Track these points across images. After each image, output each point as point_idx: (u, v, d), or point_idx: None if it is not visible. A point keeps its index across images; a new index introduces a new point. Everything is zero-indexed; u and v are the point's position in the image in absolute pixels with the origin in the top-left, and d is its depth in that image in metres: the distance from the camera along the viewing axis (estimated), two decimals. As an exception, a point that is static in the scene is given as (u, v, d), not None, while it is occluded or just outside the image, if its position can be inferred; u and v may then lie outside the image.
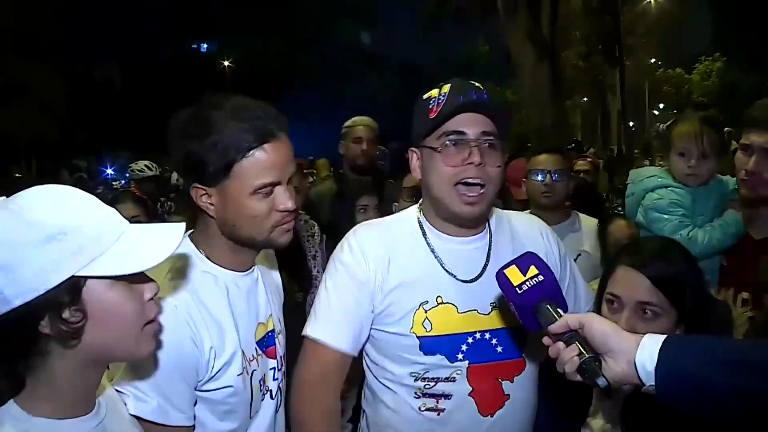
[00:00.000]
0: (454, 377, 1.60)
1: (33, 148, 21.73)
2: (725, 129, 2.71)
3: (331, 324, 1.62)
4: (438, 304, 1.61)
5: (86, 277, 1.02)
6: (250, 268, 1.55)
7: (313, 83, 30.74)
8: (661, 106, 36.90)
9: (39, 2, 21.59)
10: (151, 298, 1.12)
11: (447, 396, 1.61)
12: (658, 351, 1.10)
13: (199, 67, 30.79)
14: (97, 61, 26.75)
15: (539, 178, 2.97)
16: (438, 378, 1.61)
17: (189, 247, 1.49)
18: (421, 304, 1.60)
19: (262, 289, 1.58)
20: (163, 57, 30.03)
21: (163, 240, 1.11)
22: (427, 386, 1.61)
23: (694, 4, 28.21)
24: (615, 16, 19.49)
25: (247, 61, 31.78)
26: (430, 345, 1.60)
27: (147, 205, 3.06)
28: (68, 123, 23.02)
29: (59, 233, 1.00)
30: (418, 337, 1.60)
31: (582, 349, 1.17)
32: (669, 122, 3.49)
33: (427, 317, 1.60)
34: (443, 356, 1.60)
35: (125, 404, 1.28)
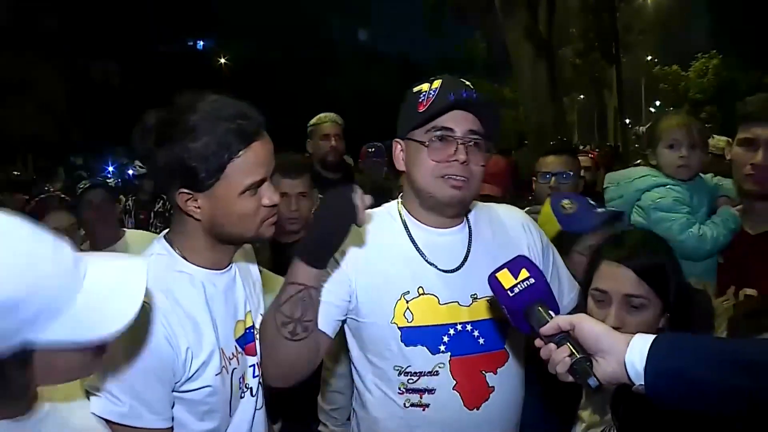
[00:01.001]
0: (437, 370, 1.62)
1: (31, 146, 21.64)
2: (706, 125, 2.74)
3: None
4: (419, 294, 1.63)
5: (36, 343, 0.96)
6: (228, 265, 1.55)
7: (311, 80, 30.64)
8: (658, 103, 36.92)
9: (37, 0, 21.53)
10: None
11: (430, 391, 1.62)
12: (647, 350, 1.12)
13: (198, 65, 30.72)
14: (95, 59, 26.63)
15: (545, 179, 2.96)
16: (421, 372, 1.62)
17: (164, 247, 1.49)
18: (403, 295, 1.62)
19: (240, 286, 1.58)
20: (161, 55, 29.92)
21: (124, 298, 1.02)
22: (410, 381, 1.62)
23: (690, 1, 28.20)
24: (612, 13, 19.49)
25: (246, 58, 31.68)
26: (411, 336, 1.62)
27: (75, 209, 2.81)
28: (66, 121, 22.94)
29: (10, 306, 0.90)
30: (399, 327, 1.61)
31: (573, 350, 1.19)
32: (648, 124, 3.52)
33: (408, 308, 1.62)
34: (425, 347, 1.62)
35: (95, 406, 1.27)
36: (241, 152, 1.38)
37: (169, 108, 1.42)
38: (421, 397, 1.63)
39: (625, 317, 1.52)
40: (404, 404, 1.63)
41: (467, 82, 1.64)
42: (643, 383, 1.13)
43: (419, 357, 1.62)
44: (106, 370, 1.29)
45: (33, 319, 0.93)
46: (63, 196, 2.88)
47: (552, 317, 1.25)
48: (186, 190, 1.40)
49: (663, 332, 1.54)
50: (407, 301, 1.62)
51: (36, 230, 0.96)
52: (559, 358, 1.20)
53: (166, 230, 1.54)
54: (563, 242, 2.02)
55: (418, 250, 1.67)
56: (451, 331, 1.63)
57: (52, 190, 2.92)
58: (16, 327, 0.92)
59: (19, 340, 0.93)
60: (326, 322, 1.59)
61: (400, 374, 1.63)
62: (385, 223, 1.72)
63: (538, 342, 1.26)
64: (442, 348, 1.62)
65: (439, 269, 1.65)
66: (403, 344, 1.62)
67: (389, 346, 1.62)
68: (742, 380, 1.06)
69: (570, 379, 1.20)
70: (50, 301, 0.95)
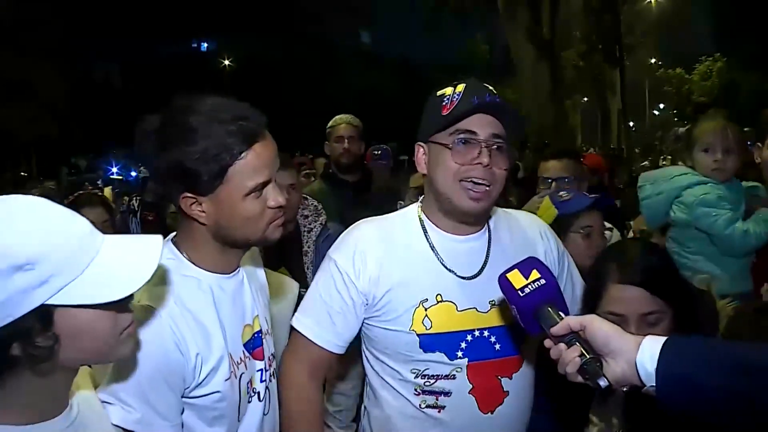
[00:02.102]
0: (454, 375, 1.63)
1: (33, 146, 21.75)
2: (745, 128, 2.81)
3: (319, 323, 1.67)
4: (438, 302, 1.63)
5: (57, 305, 0.99)
6: (236, 269, 1.54)
7: (313, 81, 30.70)
8: (662, 106, 36.92)
9: (40, 1, 21.62)
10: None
11: (446, 393, 1.63)
12: (658, 352, 1.12)
13: (200, 66, 30.83)
14: (97, 59, 26.79)
15: (546, 184, 2.90)
16: (438, 375, 1.63)
17: (171, 252, 1.47)
18: (422, 302, 1.63)
19: (247, 289, 1.57)
20: (163, 56, 30.04)
21: (139, 262, 1.07)
22: (427, 383, 1.63)
23: (694, 3, 28.20)
24: (615, 15, 19.49)
25: (247, 59, 31.78)
26: (429, 343, 1.62)
27: (112, 208, 3.01)
28: (70, 122, 23.03)
29: (27, 263, 0.95)
30: (418, 334, 1.62)
31: (583, 351, 1.19)
32: (687, 126, 3.58)
33: (427, 315, 1.62)
34: (443, 354, 1.62)
35: (108, 414, 1.27)
36: (243, 154, 1.36)
37: (168, 111, 1.40)
38: (437, 399, 1.63)
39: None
40: (420, 405, 1.64)
41: (490, 87, 1.65)
42: (653, 385, 1.12)
43: (437, 362, 1.63)
44: (118, 378, 1.29)
45: (48, 279, 0.96)
46: (99, 193, 3.00)
47: (562, 318, 1.25)
48: (190, 194, 1.39)
49: (672, 333, 1.54)
50: (425, 309, 1.62)
51: (54, 204, 1.03)
52: (569, 358, 1.20)
53: (173, 234, 1.52)
54: (559, 228, 2.12)
55: (437, 256, 1.67)
56: (469, 338, 1.64)
57: (90, 188, 3.10)
58: (33, 286, 0.95)
59: (37, 302, 0.96)
60: (338, 342, 1.67)
61: (416, 377, 1.64)
62: (404, 227, 1.72)
63: (547, 342, 1.26)
64: (460, 354, 1.63)
65: (458, 276, 1.65)
66: (421, 350, 1.62)
67: (407, 351, 1.63)
68: (753, 387, 1.06)
69: (579, 379, 1.20)
70: (66, 262, 0.99)
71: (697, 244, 2.37)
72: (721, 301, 1.93)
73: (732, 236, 2.24)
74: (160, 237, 1.14)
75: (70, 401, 1.13)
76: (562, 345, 1.22)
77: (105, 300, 1.02)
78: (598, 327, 1.20)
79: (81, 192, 2.93)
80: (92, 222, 2.55)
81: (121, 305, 1.07)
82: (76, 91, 24.23)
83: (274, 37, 31.80)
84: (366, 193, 3.78)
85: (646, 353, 1.13)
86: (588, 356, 1.18)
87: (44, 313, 0.98)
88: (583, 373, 1.18)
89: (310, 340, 1.67)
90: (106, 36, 26.12)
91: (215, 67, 32.67)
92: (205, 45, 36.67)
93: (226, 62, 33.27)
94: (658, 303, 1.52)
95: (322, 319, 1.66)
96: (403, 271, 1.64)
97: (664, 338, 1.15)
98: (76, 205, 2.68)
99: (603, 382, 1.16)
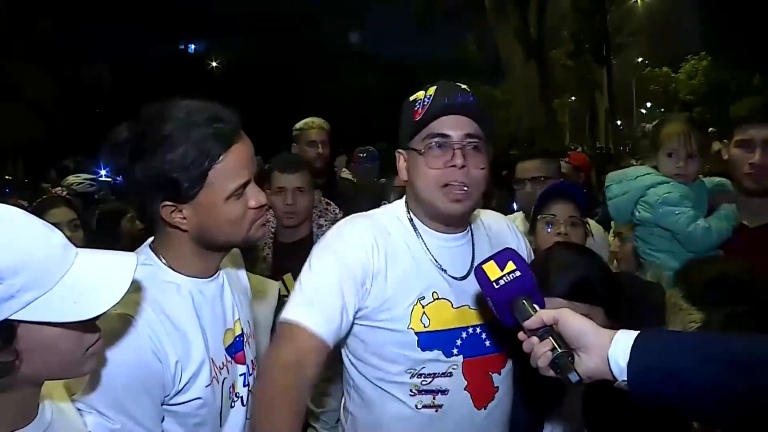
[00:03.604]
0: (451, 372, 1.62)
1: (22, 150, 21.53)
2: (709, 129, 2.83)
3: (312, 307, 1.51)
4: (434, 299, 1.62)
5: (21, 321, 0.96)
6: (215, 273, 1.52)
7: (306, 82, 30.56)
8: (649, 104, 37.17)
9: (28, 2, 21.44)
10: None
11: (443, 391, 1.62)
12: (630, 346, 1.12)
13: (192, 67, 30.68)
14: (86, 61, 26.53)
15: (519, 186, 2.90)
16: (435, 374, 1.61)
17: (149, 257, 1.44)
18: (419, 299, 1.61)
19: (228, 293, 1.55)
20: (154, 57, 29.78)
21: (111, 282, 1.05)
22: (423, 382, 1.61)
23: (681, 3, 28.43)
24: (602, 15, 19.62)
25: (240, 60, 31.63)
26: (427, 341, 1.61)
27: (77, 207, 3.03)
28: (57, 123, 22.81)
29: None
30: (416, 332, 1.60)
31: (555, 344, 1.19)
32: (655, 122, 3.57)
33: (425, 312, 1.61)
34: (440, 351, 1.61)
35: (85, 422, 1.25)
36: (221, 157, 1.35)
37: (138, 120, 1.37)
38: (434, 398, 1.62)
39: None
40: (416, 406, 1.61)
41: (463, 86, 1.64)
42: (625, 379, 1.12)
43: (434, 360, 1.61)
44: (95, 387, 1.27)
45: (15, 294, 0.94)
46: (65, 195, 3.05)
47: (536, 311, 1.25)
48: (170, 203, 1.36)
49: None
50: (423, 306, 1.61)
51: (29, 217, 1.01)
52: (541, 351, 1.20)
53: (151, 239, 1.50)
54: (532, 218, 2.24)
55: (430, 255, 1.66)
56: (464, 335, 1.64)
57: (53, 190, 3.19)
58: (0, 299, 0.93)
59: (1, 316, 0.94)
60: (331, 329, 1.50)
61: (412, 377, 1.61)
62: (396, 226, 1.70)
63: (521, 335, 1.26)
64: (456, 351, 1.62)
65: (450, 276, 1.66)
66: (419, 349, 1.60)
67: (404, 350, 1.60)
68: (728, 377, 1.06)
69: (551, 373, 1.20)
70: (36, 277, 0.96)
71: (662, 242, 2.42)
72: (669, 292, 1.91)
73: (694, 233, 2.30)
74: (134, 256, 1.12)
75: (40, 411, 1.10)
76: (534, 338, 1.22)
77: (71, 319, 1.00)
78: (570, 321, 1.20)
79: (45, 196, 3.00)
80: (61, 222, 2.54)
81: (87, 324, 1.05)
82: (64, 92, 24.00)
83: (267, 38, 31.62)
84: (332, 198, 3.76)
85: (619, 348, 1.13)
86: (560, 350, 1.18)
87: (7, 328, 0.95)
88: (555, 367, 1.18)
89: (299, 326, 1.47)
90: (95, 37, 25.86)
91: (207, 68, 32.50)
92: (198, 46, 36.40)
93: (214, 63, 33.10)
94: (581, 308, 1.52)
95: (314, 302, 1.52)
96: (399, 267, 1.63)
97: (637, 332, 1.14)
98: (41, 209, 2.72)
99: (573, 377, 1.16)
